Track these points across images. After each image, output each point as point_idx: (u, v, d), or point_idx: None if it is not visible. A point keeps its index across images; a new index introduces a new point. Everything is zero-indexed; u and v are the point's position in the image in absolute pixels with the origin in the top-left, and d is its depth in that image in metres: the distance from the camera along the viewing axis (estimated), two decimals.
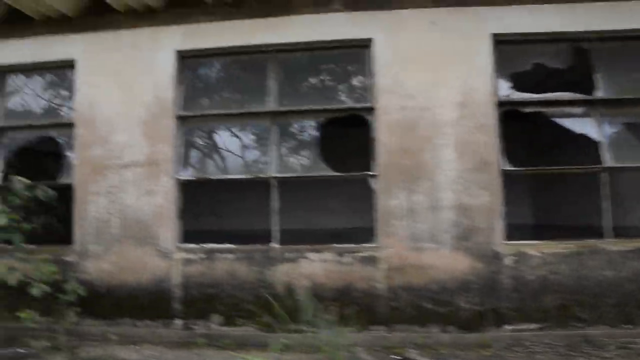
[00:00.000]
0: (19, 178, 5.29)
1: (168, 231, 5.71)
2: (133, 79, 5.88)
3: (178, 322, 5.63)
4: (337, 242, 5.56)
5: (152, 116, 5.82)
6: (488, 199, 5.32)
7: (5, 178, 5.96)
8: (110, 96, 5.91)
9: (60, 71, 6.35)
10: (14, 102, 6.37)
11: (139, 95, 5.86)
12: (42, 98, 6.84)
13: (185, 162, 6.19)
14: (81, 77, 6.00)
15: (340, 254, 5.41)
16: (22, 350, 5.48)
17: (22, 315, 5.13)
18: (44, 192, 5.36)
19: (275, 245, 5.59)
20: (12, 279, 5.06)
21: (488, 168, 5.35)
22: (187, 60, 5.97)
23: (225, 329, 5.49)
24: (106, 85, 5.92)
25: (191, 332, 5.59)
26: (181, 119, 5.89)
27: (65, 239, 5.88)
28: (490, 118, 5.40)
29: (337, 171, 5.94)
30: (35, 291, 5.04)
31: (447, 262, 5.31)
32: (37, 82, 6.77)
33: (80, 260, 5.82)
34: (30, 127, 6.30)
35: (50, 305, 5.51)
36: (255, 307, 5.43)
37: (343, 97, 6.22)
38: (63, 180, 6.05)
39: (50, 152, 6.93)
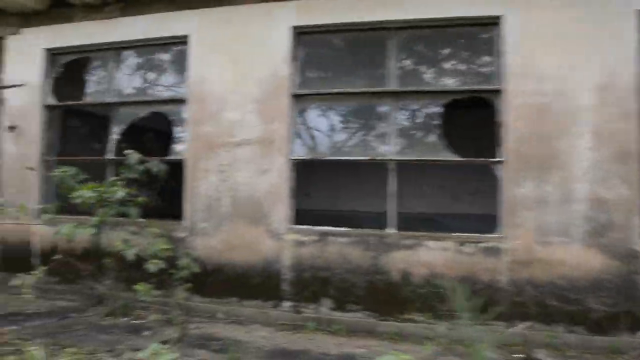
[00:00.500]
0: (133, 152, 5.29)
1: (280, 211, 5.61)
2: (247, 55, 5.77)
3: (287, 304, 5.55)
4: (458, 230, 5.30)
5: (266, 94, 5.70)
6: (627, 192, 4.92)
7: (119, 153, 6.03)
8: (223, 73, 5.84)
9: (173, 47, 6.33)
10: (128, 79, 6.40)
11: (252, 72, 5.75)
12: (155, 74, 6.85)
13: (299, 141, 6.05)
14: (194, 53, 5.96)
15: (462, 243, 5.16)
16: (135, 321, 5.55)
17: (139, 287, 5.16)
18: (156, 166, 5.35)
19: (391, 230, 5.39)
20: (130, 254, 5.09)
21: (628, 159, 4.93)
22: (303, 36, 5.81)
23: (336, 314, 5.36)
24: (219, 61, 5.85)
25: (300, 315, 5.49)
26: (296, 97, 5.75)
27: (174, 214, 5.89)
28: (633, 104, 4.96)
29: (460, 156, 5.66)
30: (151, 267, 5.06)
31: (578, 258, 4.95)
32: (149, 59, 6.78)
33: (190, 236, 5.83)
34: (143, 103, 6.33)
35: (161, 280, 5.53)
36: (367, 293, 5.26)
37: (468, 79, 5.89)
38: (173, 156, 6.05)
39: (161, 129, 6.98)
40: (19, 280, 5.26)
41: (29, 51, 6.61)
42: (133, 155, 5.22)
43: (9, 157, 6.66)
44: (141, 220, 5.68)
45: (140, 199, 5.17)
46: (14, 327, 4.86)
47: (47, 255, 6.41)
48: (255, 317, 5.61)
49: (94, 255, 6.04)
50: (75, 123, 7.42)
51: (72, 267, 6.10)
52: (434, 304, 5.07)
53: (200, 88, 5.88)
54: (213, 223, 5.77)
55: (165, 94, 7.08)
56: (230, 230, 5.72)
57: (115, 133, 6.26)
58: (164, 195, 5.74)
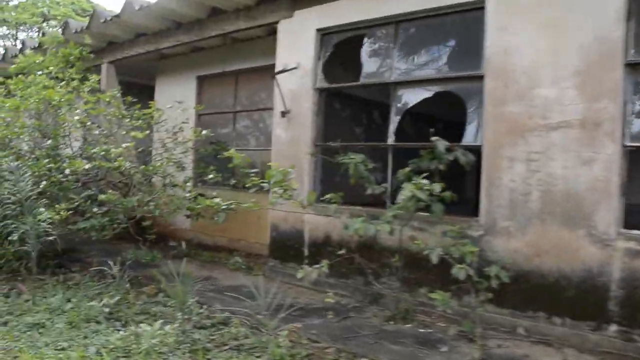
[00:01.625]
0: (439, 139, 4.61)
1: (607, 212, 4.50)
2: (562, 16, 4.71)
3: (612, 329, 4.45)
4: None
5: (589, 64, 4.62)
6: None
7: (398, 137, 5.48)
8: (533, 40, 4.88)
9: (464, 15, 5.54)
10: (408, 56, 5.79)
11: (571, 38, 4.67)
12: (441, 49, 6.18)
13: (637, 122, 4.84)
14: (492, 19, 5.11)
15: None
16: (422, 330, 4.98)
17: (436, 296, 4.54)
18: (464, 155, 4.61)
19: None
20: (435, 256, 4.46)
21: None
22: None
23: None
24: (527, 27, 4.92)
25: (632, 345, 4.34)
26: (631, 67, 4.53)
27: (467, 210, 5.13)
28: None
29: None
30: (459, 274, 4.35)
31: None
32: (434, 31, 6.11)
33: (486, 236, 5.04)
34: (428, 81, 5.68)
35: (457, 287, 4.85)
36: None
37: None
38: (466, 142, 5.27)
39: (446, 111, 6.32)
40: (302, 272, 5.02)
41: (300, 33, 6.44)
42: (441, 143, 4.55)
43: (279, 142, 6.61)
44: (421, 214, 5.05)
45: (446, 194, 4.48)
46: (298, 325, 4.60)
47: (317, 246, 6.22)
48: (568, 339, 4.63)
49: (371, 250, 5.63)
50: (341, 106, 7.18)
51: (346, 260, 5.78)
52: None
53: (502, 61, 5.02)
54: (517, 222, 4.89)
55: (455, 71, 6.31)
56: (539, 232, 4.79)
57: (395, 116, 5.71)
58: (452, 187, 5.00)
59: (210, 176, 6.60)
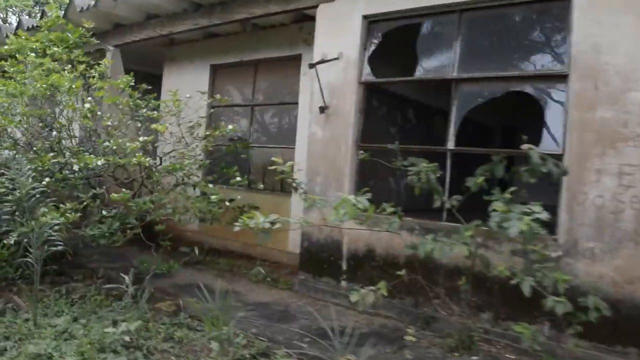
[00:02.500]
0: (532, 147, 3.91)
1: None
2: None
3: None
4: None
5: None
6: None
7: (459, 142, 4.79)
8: (628, 35, 4.21)
9: (544, 6, 4.85)
10: (472, 48, 5.07)
11: None
12: (511, 42, 5.44)
13: None
14: (581, 10, 4.42)
15: None
16: None
17: (521, 329, 3.84)
18: (557, 166, 3.92)
19: None
20: (527, 288, 3.76)
21: None
22: None
23: None
24: (621, 20, 4.26)
25: None
26: None
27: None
28: None
29: None
30: (559, 308, 3.65)
31: None
32: (506, 22, 5.39)
33: (566, 257, 4.40)
34: (496, 79, 4.96)
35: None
36: None
37: None
38: (545, 149, 4.57)
39: (514, 113, 5.61)
40: (356, 296, 4.28)
41: (343, 20, 5.70)
42: (534, 152, 3.84)
43: (315, 141, 5.86)
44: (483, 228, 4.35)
45: (541, 214, 3.75)
46: (351, 358, 3.88)
47: (358, 260, 5.51)
48: None
49: (425, 268, 4.93)
50: (386, 104, 6.44)
51: (393, 278, 5.08)
52: None
53: (591, 58, 4.36)
54: (605, 243, 4.26)
55: (531, 68, 5.59)
56: (633, 256, 4.16)
57: (456, 117, 4.99)
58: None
59: (238, 179, 5.80)
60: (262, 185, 7.11)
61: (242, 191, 7.25)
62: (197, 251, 6.86)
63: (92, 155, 5.19)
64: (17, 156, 4.59)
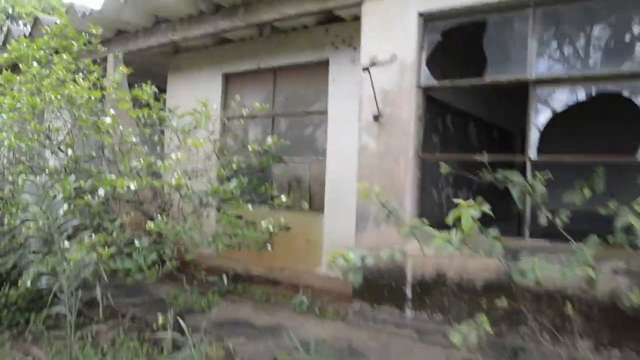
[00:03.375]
0: None
1: None
2: None
3: None
4: None
5: None
6: None
7: (544, 149, 4.24)
8: None
9: None
10: (549, 47, 4.55)
11: None
12: (598, 39, 4.92)
13: None
14: None
15: None
16: None
17: None
18: None
19: None
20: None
21: None
22: None
23: None
24: None
25: None
26: None
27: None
28: None
29: None
30: None
31: None
32: (587, 17, 4.88)
33: None
34: (584, 79, 4.43)
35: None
36: None
37: None
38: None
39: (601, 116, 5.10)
40: (457, 335, 3.64)
41: (396, 18, 5.13)
42: None
43: (368, 154, 5.24)
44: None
45: None
46: None
47: (426, 286, 4.90)
48: None
49: (506, 292, 4.35)
50: (444, 110, 5.87)
51: (470, 305, 4.51)
52: None
53: None
54: None
55: (624, 67, 5.08)
56: None
57: (536, 122, 4.45)
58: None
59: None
60: (287, 201, 6.38)
61: (263, 208, 6.58)
62: (225, 280, 6.14)
63: (120, 178, 4.44)
64: (47, 182, 3.81)
